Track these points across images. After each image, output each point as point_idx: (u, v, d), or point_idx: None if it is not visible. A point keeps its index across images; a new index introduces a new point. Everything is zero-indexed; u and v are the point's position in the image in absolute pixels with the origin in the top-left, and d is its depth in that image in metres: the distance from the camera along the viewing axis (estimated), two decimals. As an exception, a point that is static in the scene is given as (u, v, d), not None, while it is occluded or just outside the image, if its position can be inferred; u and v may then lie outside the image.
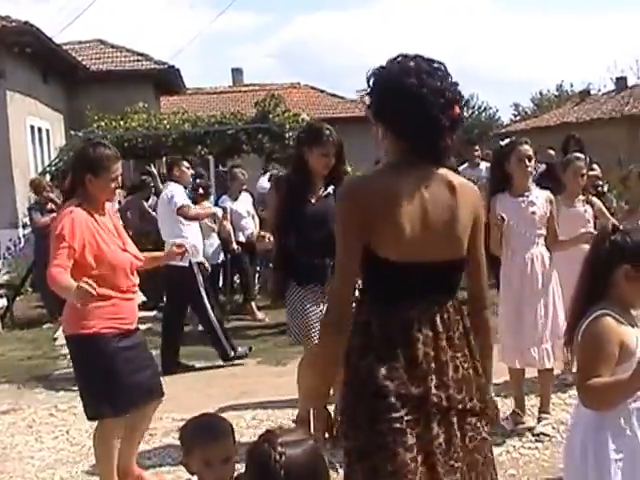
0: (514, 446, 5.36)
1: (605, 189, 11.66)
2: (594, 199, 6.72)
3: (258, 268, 11.94)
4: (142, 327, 5.53)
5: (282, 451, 2.23)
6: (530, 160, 5.60)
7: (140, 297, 6.51)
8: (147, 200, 11.52)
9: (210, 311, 8.14)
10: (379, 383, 2.75)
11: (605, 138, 22.87)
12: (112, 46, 24.27)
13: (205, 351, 8.50)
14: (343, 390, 2.87)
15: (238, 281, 11.45)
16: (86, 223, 4.56)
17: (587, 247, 5.96)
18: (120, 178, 4.79)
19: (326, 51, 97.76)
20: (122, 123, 14.78)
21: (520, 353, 5.53)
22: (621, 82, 37.48)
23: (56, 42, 19.58)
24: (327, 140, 5.31)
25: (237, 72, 37.79)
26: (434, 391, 2.76)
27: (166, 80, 23.92)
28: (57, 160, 15.43)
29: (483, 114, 55.99)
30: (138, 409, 4.79)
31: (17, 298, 12.20)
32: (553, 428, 5.58)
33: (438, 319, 2.83)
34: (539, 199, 5.63)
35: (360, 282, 2.94)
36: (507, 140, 5.79)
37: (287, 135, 14.22)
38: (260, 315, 10.54)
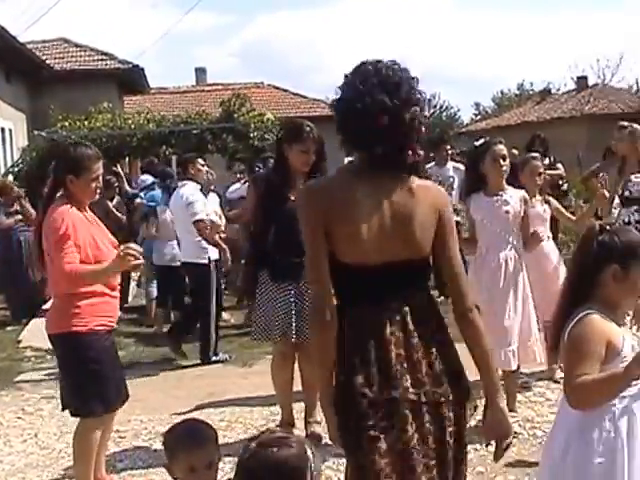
0: (481, 443, 5.40)
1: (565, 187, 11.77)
2: (551, 198, 6.79)
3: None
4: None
5: (272, 452, 2.25)
6: (504, 159, 5.64)
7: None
8: (112, 200, 11.45)
9: (213, 311, 8.23)
10: (355, 390, 2.79)
11: (565, 137, 23.12)
12: (76, 45, 24.04)
13: (168, 352, 8.56)
14: (334, 391, 2.91)
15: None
16: (83, 223, 4.58)
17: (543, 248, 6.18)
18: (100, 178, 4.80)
19: (288, 50, 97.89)
20: (86, 123, 14.72)
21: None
22: (582, 81, 37.85)
23: (20, 41, 19.38)
24: (307, 137, 5.35)
25: (200, 71, 37.65)
26: (411, 390, 2.79)
27: (130, 79, 23.78)
28: (20, 160, 15.30)
29: (444, 113, 56.31)
30: (122, 405, 4.83)
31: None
32: (519, 426, 5.67)
33: (409, 318, 2.85)
34: (513, 198, 5.69)
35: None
36: (481, 140, 5.84)
37: (252, 135, 14.23)
38: (225, 316, 10.50)
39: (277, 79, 70.76)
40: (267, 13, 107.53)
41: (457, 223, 3.73)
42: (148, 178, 12.40)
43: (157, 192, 10.99)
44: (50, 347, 8.32)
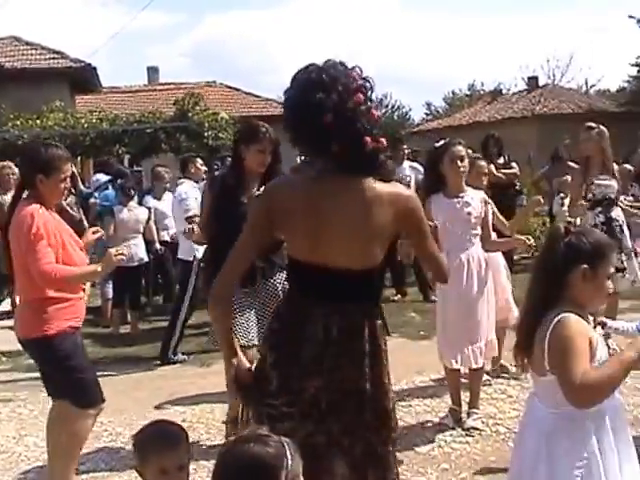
0: (445, 441, 5.46)
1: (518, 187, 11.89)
2: (490, 201, 6.81)
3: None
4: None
5: (248, 447, 2.24)
6: (462, 160, 5.63)
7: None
8: (65, 199, 11.32)
9: (184, 310, 8.21)
10: (267, 368, 3.02)
11: (516, 137, 23.31)
12: (27, 43, 23.60)
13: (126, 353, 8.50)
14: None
15: (160, 281, 11.36)
16: (53, 223, 4.51)
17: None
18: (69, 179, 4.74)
19: (239, 50, 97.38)
20: (38, 122, 14.53)
21: (458, 352, 5.57)
22: (532, 82, 38.28)
23: (-31, 39, 19.08)
24: (263, 137, 5.33)
25: (153, 71, 37.31)
26: (312, 391, 2.93)
27: (82, 78, 23.46)
28: (-30, 160, 15.04)
29: (396, 113, 56.58)
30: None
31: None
32: (483, 422, 5.70)
33: (335, 325, 2.94)
34: (474, 200, 5.69)
35: None
36: (441, 141, 5.85)
37: (206, 134, 14.16)
38: (183, 316, 10.45)
39: (229, 79, 70.34)
40: (218, 13, 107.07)
41: None
42: (102, 177, 12.28)
43: (111, 192, 10.91)
44: (4, 349, 8.32)
